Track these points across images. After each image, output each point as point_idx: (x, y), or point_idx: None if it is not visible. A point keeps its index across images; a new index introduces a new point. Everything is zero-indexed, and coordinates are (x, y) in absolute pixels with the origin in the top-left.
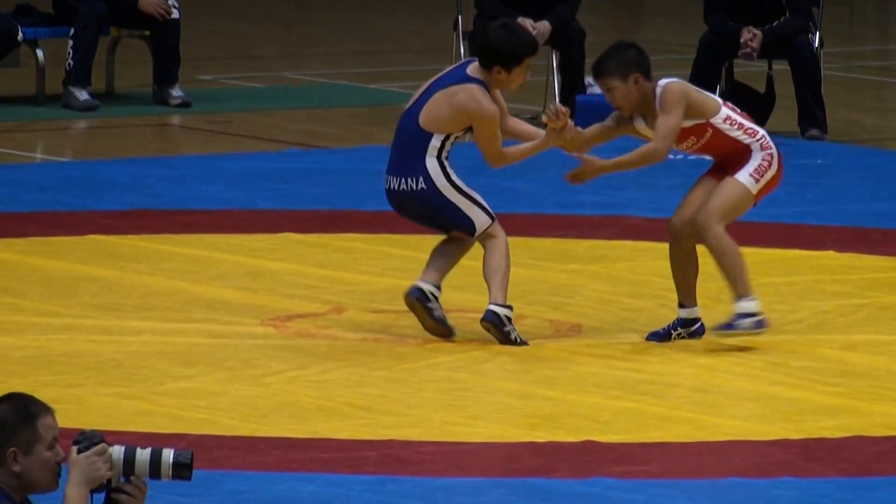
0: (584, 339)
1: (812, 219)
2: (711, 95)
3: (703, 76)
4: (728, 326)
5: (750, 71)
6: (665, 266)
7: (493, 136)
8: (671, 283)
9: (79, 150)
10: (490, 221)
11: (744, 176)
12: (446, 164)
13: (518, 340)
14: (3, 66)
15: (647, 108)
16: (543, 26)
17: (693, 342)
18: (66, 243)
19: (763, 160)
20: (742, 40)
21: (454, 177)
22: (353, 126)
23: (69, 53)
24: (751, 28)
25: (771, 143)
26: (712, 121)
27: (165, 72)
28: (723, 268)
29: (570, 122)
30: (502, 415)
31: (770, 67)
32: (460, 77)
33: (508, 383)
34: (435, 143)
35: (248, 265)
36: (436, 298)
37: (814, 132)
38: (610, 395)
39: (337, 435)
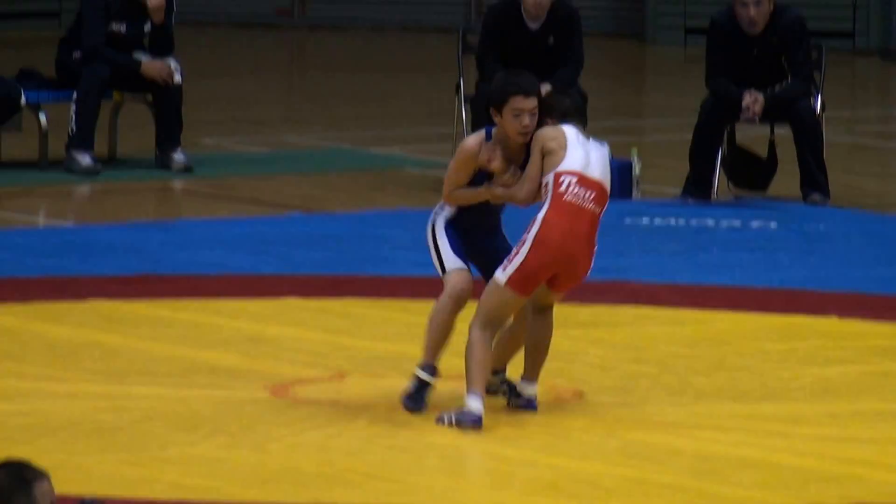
0: (586, 405)
1: (815, 284)
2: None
3: (705, 140)
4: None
5: (752, 135)
6: (670, 331)
7: (454, 170)
8: (675, 349)
9: (81, 214)
10: (442, 273)
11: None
12: (442, 211)
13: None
14: (5, 130)
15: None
16: (545, 90)
17: (696, 410)
18: (68, 308)
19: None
20: (744, 104)
21: (438, 224)
22: (356, 190)
23: (72, 118)
24: (753, 92)
25: (537, 220)
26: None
27: (168, 136)
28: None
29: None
30: (504, 482)
31: (772, 132)
32: None
33: (510, 450)
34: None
35: (250, 330)
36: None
37: (816, 197)
38: (612, 463)
39: (339, 502)
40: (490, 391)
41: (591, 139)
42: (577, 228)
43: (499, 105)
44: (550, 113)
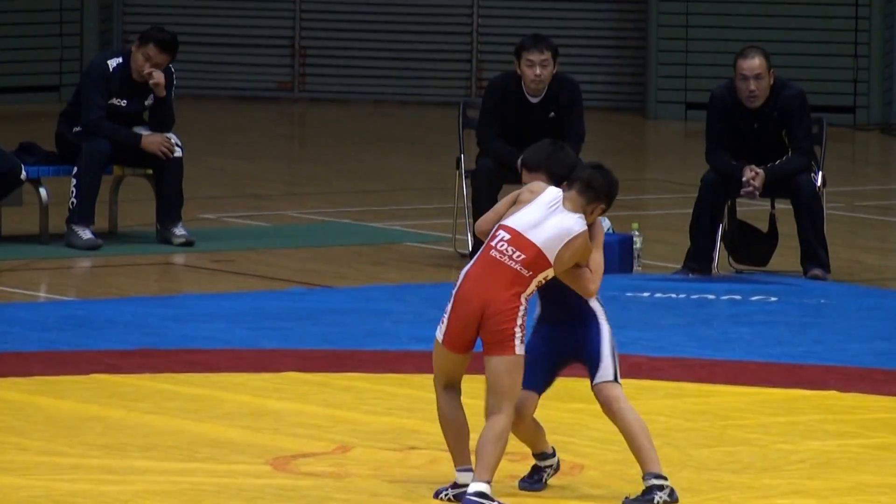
0: (586, 478)
1: (815, 358)
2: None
3: (706, 215)
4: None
5: (753, 210)
6: (671, 404)
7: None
8: (676, 422)
9: (82, 289)
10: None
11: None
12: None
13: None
14: (6, 204)
15: None
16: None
17: (698, 482)
18: (70, 383)
19: None
20: (744, 179)
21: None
22: (357, 265)
23: (72, 192)
24: (753, 167)
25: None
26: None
27: (168, 210)
28: None
29: None
30: None
31: (773, 206)
32: None
33: None
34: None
35: (252, 404)
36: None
37: (816, 272)
38: None
39: None
40: (542, 473)
41: (568, 213)
42: (493, 278)
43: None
44: (571, 180)
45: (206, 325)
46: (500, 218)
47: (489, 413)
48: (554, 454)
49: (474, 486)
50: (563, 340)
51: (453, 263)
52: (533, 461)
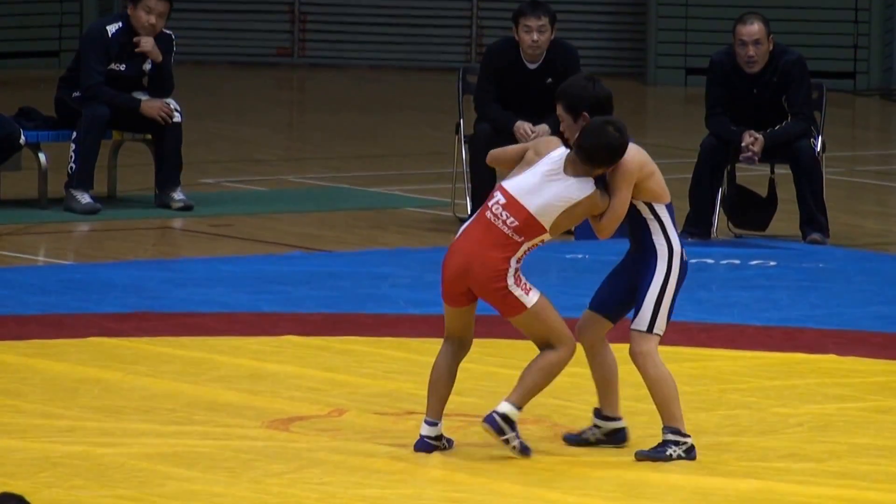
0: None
1: (813, 322)
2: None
3: (705, 180)
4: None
5: (752, 175)
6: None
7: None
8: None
9: (81, 252)
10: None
11: None
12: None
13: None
14: (5, 169)
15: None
16: (544, 129)
17: (696, 446)
18: (68, 346)
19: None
20: (743, 144)
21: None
22: (355, 229)
23: (71, 157)
24: (752, 132)
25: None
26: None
27: (167, 175)
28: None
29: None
30: None
31: (772, 171)
32: None
33: (508, 485)
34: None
35: (250, 367)
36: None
37: (815, 236)
38: (610, 498)
39: None
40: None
41: (569, 181)
42: (483, 239)
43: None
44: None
45: (204, 289)
46: (508, 162)
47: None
48: (618, 422)
49: (501, 406)
50: (629, 274)
51: (452, 228)
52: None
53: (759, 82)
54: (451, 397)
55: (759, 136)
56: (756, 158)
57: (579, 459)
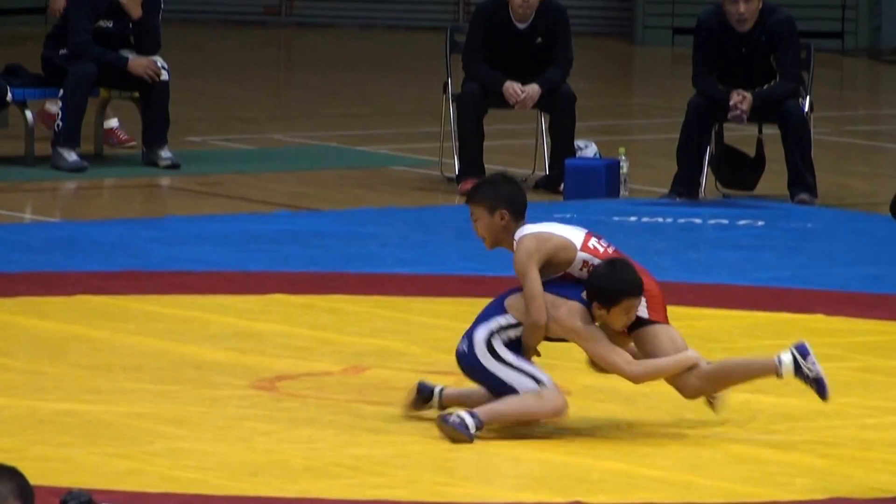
0: (574, 402)
1: (801, 283)
2: (567, 234)
3: (692, 139)
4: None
5: (740, 135)
6: None
7: (596, 346)
8: None
9: (67, 210)
10: (536, 387)
11: None
12: (496, 337)
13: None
14: None
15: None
16: (533, 90)
17: (684, 404)
18: (55, 303)
19: None
20: (731, 103)
21: (499, 348)
22: (343, 188)
23: (58, 114)
24: (740, 91)
25: None
26: (569, 270)
27: (154, 133)
28: None
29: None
30: (490, 475)
31: (760, 131)
32: (565, 293)
33: (496, 444)
34: (502, 320)
35: (237, 326)
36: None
37: (803, 196)
38: (599, 456)
39: (325, 495)
40: None
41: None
42: None
43: (611, 304)
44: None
45: (192, 247)
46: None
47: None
48: None
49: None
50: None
51: (439, 187)
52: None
53: (748, 42)
54: (440, 356)
55: (748, 95)
56: (744, 117)
57: (568, 421)
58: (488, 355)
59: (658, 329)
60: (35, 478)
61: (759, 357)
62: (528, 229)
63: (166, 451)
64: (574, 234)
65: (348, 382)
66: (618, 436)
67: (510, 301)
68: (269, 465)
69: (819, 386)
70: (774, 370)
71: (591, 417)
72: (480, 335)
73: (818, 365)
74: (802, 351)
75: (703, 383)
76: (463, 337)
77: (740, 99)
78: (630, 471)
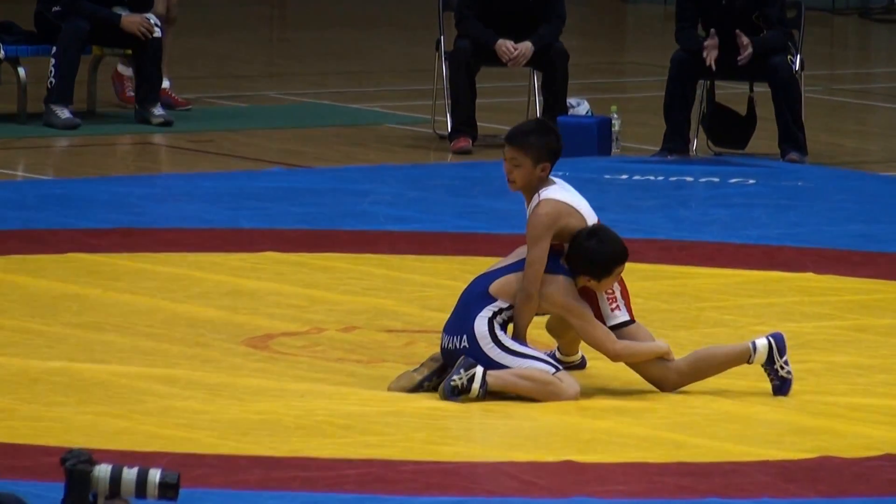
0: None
1: (792, 241)
2: (586, 213)
3: (678, 94)
4: None
5: (731, 93)
6: (648, 286)
7: (586, 324)
8: (653, 304)
9: (60, 168)
10: (553, 372)
11: None
12: (496, 325)
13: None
14: None
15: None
16: (526, 47)
17: None
18: (47, 261)
19: None
20: (706, 44)
21: (503, 338)
22: (336, 146)
23: (51, 72)
24: (714, 37)
25: None
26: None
27: (147, 91)
28: None
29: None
30: (482, 435)
31: (751, 89)
32: (551, 266)
33: (488, 404)
34: (495, 307)
35: (229, 284)
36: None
37: (794, 155)
38: (589, 416)
39: (317, 453)
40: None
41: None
42: None
43: (603, 275)
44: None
45: (184, 204)
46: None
47: None
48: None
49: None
50: None
51: (432, 145)
52: None
53: None
54: (433, 314)
55: (716, 40)
56: (712, 65)
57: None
58: (494, 346)
59: (636, 327)
60: (27, 437)
61: (734, 345)
62: (553, 192)
63: (157, 409)
64: (590, 216)
65: (340, 341)
66: (608, 395)
67: (496, 287)
68: (261, 424)
69: (783, 386)
70: (748, 357)
71: (581, 377)
72: (481, 327)
73: (790, 366)
74: (780, 344)
75: (681, 377)
76: (451, 334)
77: (713, 45)
78: (621, 430)
